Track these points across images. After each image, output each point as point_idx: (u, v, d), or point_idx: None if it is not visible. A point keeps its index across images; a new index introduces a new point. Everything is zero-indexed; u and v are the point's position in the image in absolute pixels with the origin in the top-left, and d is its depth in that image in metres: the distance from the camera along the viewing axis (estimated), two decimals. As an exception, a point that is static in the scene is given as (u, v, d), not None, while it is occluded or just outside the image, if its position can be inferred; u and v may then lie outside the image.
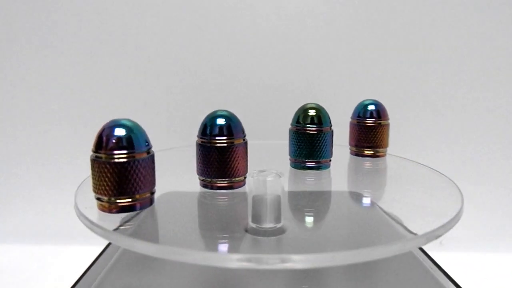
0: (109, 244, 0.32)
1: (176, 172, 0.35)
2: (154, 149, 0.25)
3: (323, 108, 0.34)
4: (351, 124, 0.37)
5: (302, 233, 0.26)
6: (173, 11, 0.48)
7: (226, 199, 0.29)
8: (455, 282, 0.28)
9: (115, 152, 0.23)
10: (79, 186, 0.27)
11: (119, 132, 0.24)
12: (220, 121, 0.28)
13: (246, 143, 0.29)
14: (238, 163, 0.28)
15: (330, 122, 0.34)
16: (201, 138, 0.28)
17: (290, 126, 0.34)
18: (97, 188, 0.24)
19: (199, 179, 0.29)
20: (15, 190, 0.51)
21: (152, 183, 0.25)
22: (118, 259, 0.30)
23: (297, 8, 0.47)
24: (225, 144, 0.28)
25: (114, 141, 0.23)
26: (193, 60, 0.48)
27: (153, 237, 0.24)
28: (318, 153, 0.33)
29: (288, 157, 0.35)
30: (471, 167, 0.49)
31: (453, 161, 0.49)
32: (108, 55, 0.48)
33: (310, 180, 0.33)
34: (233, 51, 0.48)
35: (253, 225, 0.25)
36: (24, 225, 0.51)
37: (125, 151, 0.23)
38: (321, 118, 0.33)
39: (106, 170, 0.23)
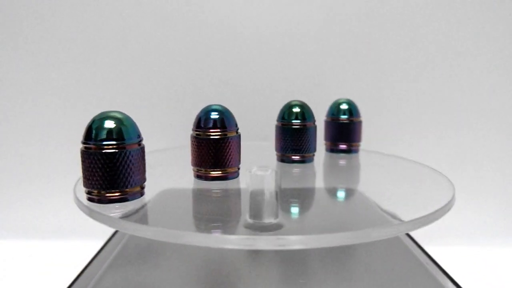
0: (107, 242, 0.32)
1: (172, 170, 0.36)
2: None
3: (306, 105, 0.36)
4: (326, 122, 0.40)
5: (300, 226, 0.26)
6: (170, 9, 0.48)
7: (221, 194, 0.29)
8: (450, 275, 0.29)
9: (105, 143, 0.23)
10: (78, 179, 0.27)
11: (109, 123, 0.24)
12: (214, 115, 0.29)
13: (239, 136, 0.30)
14: (232, 155, 0.29)
15: (314, 118, 0.36)
16: (195, 131, 0.29)
17: (276, 122, 0.36)
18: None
19: (193, 170, 0.30)
20: (11, 185, 0.51)
21: (143, 177, 0.25)
22: (117, 256, 0.30)
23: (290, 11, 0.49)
24: (219, 137, 0.29)
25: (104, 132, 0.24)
26: (188, 58, 0.49)
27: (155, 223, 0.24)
28: (303, 147, 0.35)
29: (275, 152, 0.36)
30: (464, 162, 0.50)
31: (445, 157, 0.50)
32: (103, 51, 0.49)
33: (299, 175, 0.34)
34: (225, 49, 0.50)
35: (251, 221, 0.25)
36: (20, 221, 0.51)
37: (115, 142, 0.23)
38: (305, 114, 0.35)
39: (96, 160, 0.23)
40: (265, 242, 0.20)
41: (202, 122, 0.29)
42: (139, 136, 0.25)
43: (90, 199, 0.24)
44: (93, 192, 0.24)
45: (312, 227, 0.25)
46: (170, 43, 0.49)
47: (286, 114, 0.35)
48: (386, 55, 0.49)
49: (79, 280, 0.28)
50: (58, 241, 0.50)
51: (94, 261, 0.30)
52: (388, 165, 0.38)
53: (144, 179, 0.25)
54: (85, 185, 0.24)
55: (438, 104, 0.50)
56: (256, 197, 0.26)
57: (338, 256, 0.32)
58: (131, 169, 0.24)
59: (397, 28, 0.49)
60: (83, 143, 0.24)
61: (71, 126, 0.50)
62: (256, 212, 0.25)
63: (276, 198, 0.26)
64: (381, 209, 0.27)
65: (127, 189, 0.24)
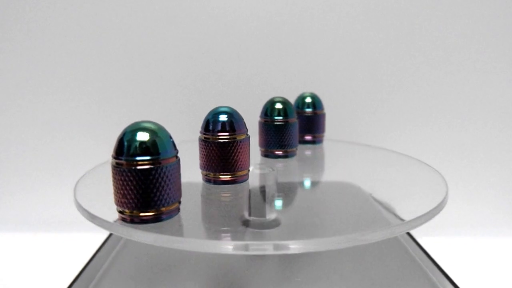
0: (100, 248, 0.29)
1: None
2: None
3: (288, 101, 0.36)
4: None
5: (298, 223, 0.26)
6: (175, 10, 0.48)
7: (228, 194, 0.29)
8: (443, 270, 0.30)
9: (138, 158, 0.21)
10: (78, 180, 0.25)
11: (142, 136, 0.22)
12: (223, 118, 0.29)
13: (248, 138, 0.30)
14: (240, 158, 0.29)
15: (295, 114, 0.37)
16: (204, 134, 0.28)
17: (259, 119, 0.36)
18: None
19: (202, 173, 0.29)
20: (14, 179, 0.51)
21: (180, 193, 0.23)
22: (115, 257, 0.28)
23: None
24: (228, 140, 0.28)
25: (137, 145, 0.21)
26: (195, 59, 0.49)
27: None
28: (286, 143, 0.36)
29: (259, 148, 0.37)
30: (455, 156, 0.50)
31: (437, 150, 0.50)
32: (109, 52, 0.49)
33: (285, 170, 0.35)
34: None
35: (250, 218, 0.25)
36: (20, 213, 0.52)
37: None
38: (287, 111, 0.36)
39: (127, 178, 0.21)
40: (264, 248, 0.20)
41: (210, 125, 0.28)
42: (175, 148, 0.23)
43: (122, 219, 0.22)
44: (125, 212, 0.22)
45: (311, 223, 0.26)
46: (166, 42, 0.49)
47: (268, 110, 0.36)
48: (385, 52, 0.49)
49: (78, 280, 0.27)
50: (59, 233, 0.49)
51: (94, 261, 0.28)
52: (376, 157, 0.40)
53: (180, 194, 0.23)
54: (117, 203, 0.22)
55: (427, 97, 0.50)
56: (256, 195, 0.26)
57: (333, 253, 0.32)
58: (167, 186, 0.22)
59: (392, 25, 0.49)
60: (114, 158, 0.22)
61: (72, 121, 0.50)
62: (256, 210, 0.25)
63: (274, 195, 0.27)
64: (376, 200, 0.28)
65: (163, 208, 0.22)
